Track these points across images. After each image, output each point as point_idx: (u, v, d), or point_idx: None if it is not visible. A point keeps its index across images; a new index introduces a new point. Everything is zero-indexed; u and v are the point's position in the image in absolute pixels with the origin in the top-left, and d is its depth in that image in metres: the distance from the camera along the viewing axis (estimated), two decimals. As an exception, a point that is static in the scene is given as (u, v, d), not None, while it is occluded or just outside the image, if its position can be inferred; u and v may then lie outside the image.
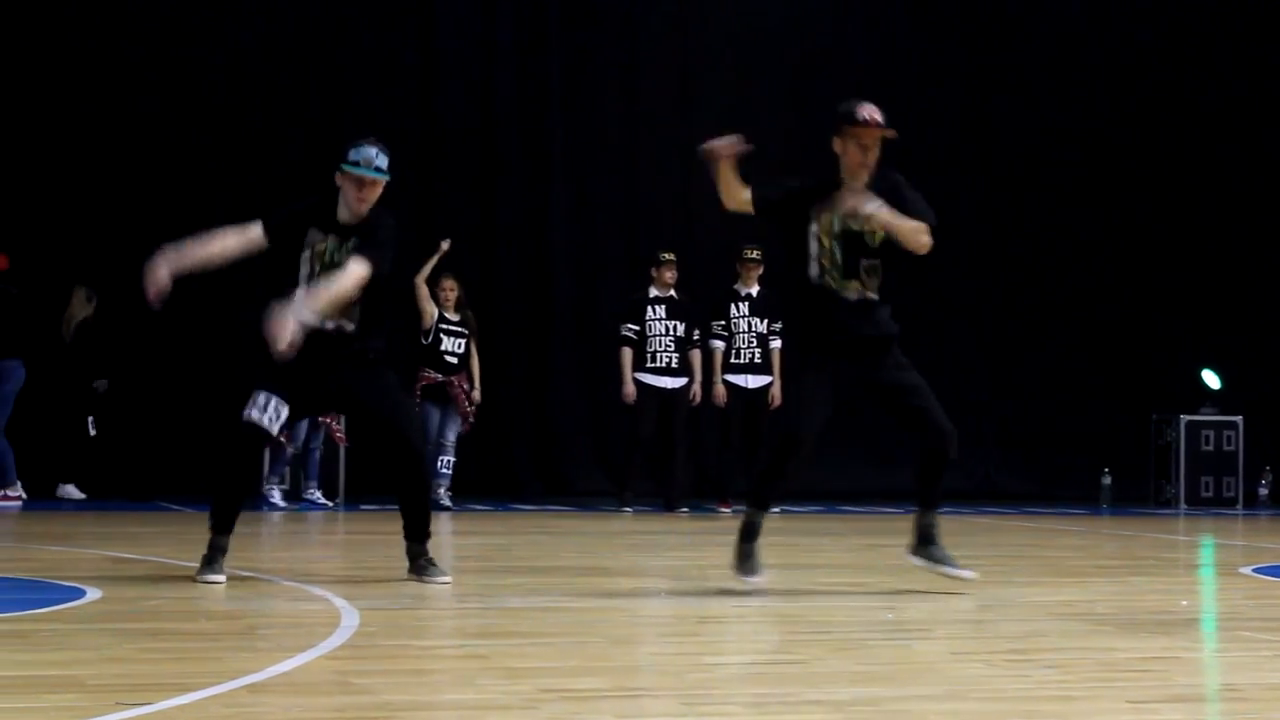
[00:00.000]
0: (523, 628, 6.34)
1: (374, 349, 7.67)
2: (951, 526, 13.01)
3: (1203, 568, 10.30)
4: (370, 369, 7.67)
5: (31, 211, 14.91)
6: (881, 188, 7.37)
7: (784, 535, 12.19)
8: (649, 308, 13.96)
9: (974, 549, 10.94)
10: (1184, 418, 16.28)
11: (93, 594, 6.97)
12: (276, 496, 13.69)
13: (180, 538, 10.71)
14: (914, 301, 16.78)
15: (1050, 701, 4.82)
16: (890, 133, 7.33)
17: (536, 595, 7.40)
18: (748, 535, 7.48)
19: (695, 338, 14.01)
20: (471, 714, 4.50)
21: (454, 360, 13.90)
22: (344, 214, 7.75)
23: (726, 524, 13.01)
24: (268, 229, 7.73)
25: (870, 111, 7.33)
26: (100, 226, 14.94)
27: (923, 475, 7.59)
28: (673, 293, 14.07)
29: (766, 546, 11.10)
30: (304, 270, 7.64)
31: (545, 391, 16.26)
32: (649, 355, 13.93)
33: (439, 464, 13.77)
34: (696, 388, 14.03)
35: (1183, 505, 16.08)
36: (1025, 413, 17.10)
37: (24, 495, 13.64)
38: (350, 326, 7.60)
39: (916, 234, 7.33)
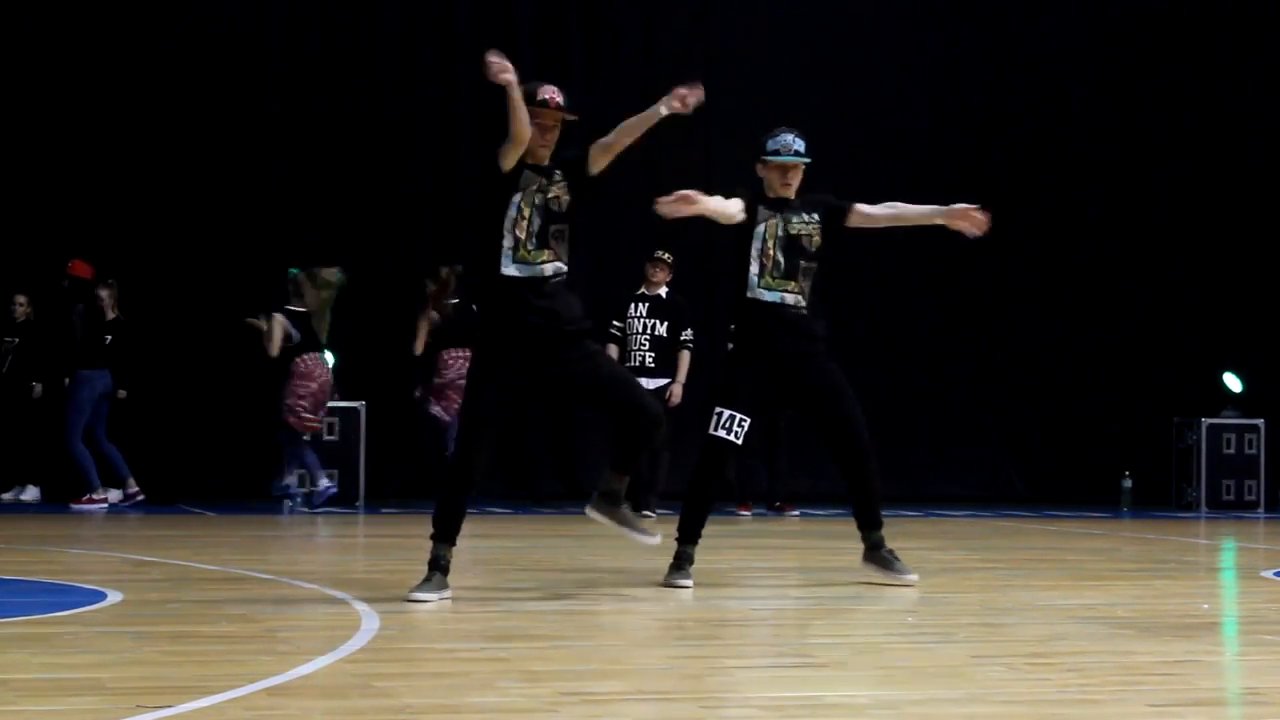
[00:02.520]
0: (543, 630, 6.34)
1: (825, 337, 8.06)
2: (973, 530, 13.02)
3: (1224, 571, 10.27)
4: (829, 359, 8.03)
5: (49, 213, 14.98)
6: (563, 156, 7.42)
7: (804, 538, 12.19)
8: (631, 305, 13.63)
9: (995, 552, 10.93)
10: (1205, 421, 16.22)
11: (114, 597, 6.99)
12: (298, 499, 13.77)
13: (200, 541, 10.74)
14: (935, 305, 16.83)
15: (1071, 705, 4.81)
16: (572, 116, 7.36)
17: (556, 598, 7.40)
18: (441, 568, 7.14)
19: (683, 338, 13.63)
20: (492, 717, 4.50)
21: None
22: (773, 196, 8.01)
23: (745, 527, 13.02)
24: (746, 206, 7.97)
25: (551, 93, 7.36)
26: (121, 230, 14.99)
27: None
28: (661, 291, 13.75)
29: (788, 549, 11.13)
30: (755, 256, 7.90)
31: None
32: (627, 354, 13.49)
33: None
34: (675, 388, 13.55)
35: (1204, 508, 16.02)
36: (1046, 416, 17.05)
37: (109, 498, 13.88)
38: (805, 309, 7.96)
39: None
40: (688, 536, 7.94)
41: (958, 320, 16.90)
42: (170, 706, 4.44)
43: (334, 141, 15.81)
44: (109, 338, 14.13)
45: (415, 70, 16.18)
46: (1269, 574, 9.35)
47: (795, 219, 7.95)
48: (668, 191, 17.31)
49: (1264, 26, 17.48)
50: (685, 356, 13.60)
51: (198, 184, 15.37)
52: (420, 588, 7.06)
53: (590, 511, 7.46)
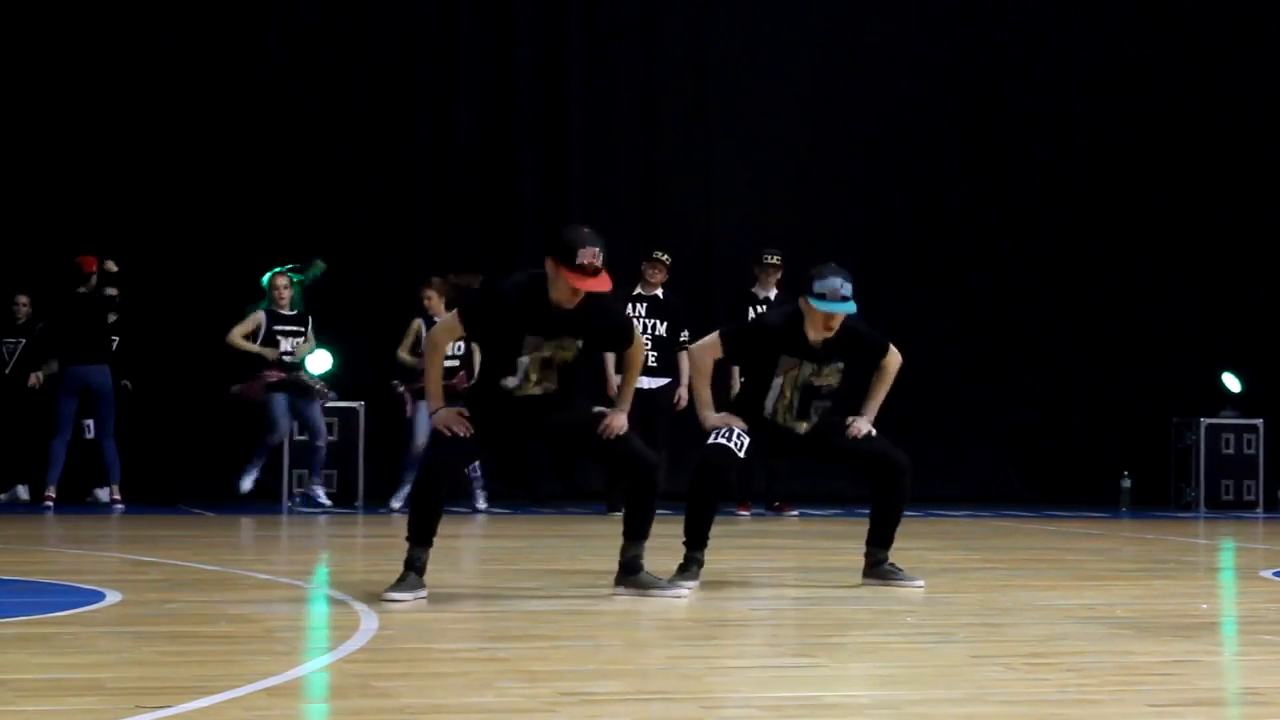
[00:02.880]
0: (542, 631, 6.34)
1: None
2: (972, 530, 13.03)
3: (1223, 571, 10.27)
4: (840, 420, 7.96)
5: (48, 214, 15.00)
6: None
7: (803, 539, 12.19)
8: (630, 305, 13.63)
9: (994, 552, 10.93)
10: (1204, 421, 16.23)
11: (113, 597, 6.99)
12: (320, 495, 13.85)
13: (200, 541, 10.74)
14: (935, 305, 16.83)
15: (1070, 705, 4.81)
16: (605, 287, 7.12)
17: (555, 598, 7.40)
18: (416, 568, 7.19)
19: (683, 338, 13.64)
20: (491, 717, 4.50)
21: (454, 363, 13.94)
22: (813, 336, 7.78)
23: (744, 527, 13.01)
24: (726, 350, 7.87)
25: (591, 256, 7.04)
26: (122, 231, 15.00)
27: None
28: (658, 292, 13.76)
29: (788, 549, 11.13)
30: (773, 394, 7.77)
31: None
32: None
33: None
34: (682, 391, 13.62)
35: (1203, 508, 16.02)
36: (1045, 415, 17.06)
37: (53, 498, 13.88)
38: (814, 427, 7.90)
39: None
40: (694, 542, 7.88)
41: (956, 320, 16.89)
42: (169, 707, 4.44)
43: (333, 142, 15.81)
44: (115, 339, 14.17)
45: (414, 70, 16.17)
46: (1268, 574, 9.35)
47: (824, 369, 7.80)
48: (667, 192, 17.17)
49: (1264, 27, 17.48)
50: (685, 358, 13.61)
51: (199, 186, 15.39)
52: (395, 587, 7.08)
53: (617, 588, 7.45)
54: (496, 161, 16.28)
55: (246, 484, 13.73)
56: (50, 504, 13.65)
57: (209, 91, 15.52)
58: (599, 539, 11.16)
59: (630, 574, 7.45)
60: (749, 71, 16.78)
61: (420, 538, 7.19)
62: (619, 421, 7.34)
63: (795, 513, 14.29)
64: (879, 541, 8.04)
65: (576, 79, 16.43)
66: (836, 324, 7.74)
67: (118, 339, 14.30)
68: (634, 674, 5.34)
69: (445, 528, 7.36)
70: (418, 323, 13.76)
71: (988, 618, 6.87)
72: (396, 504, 13.80)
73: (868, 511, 8.15)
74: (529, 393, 7.24)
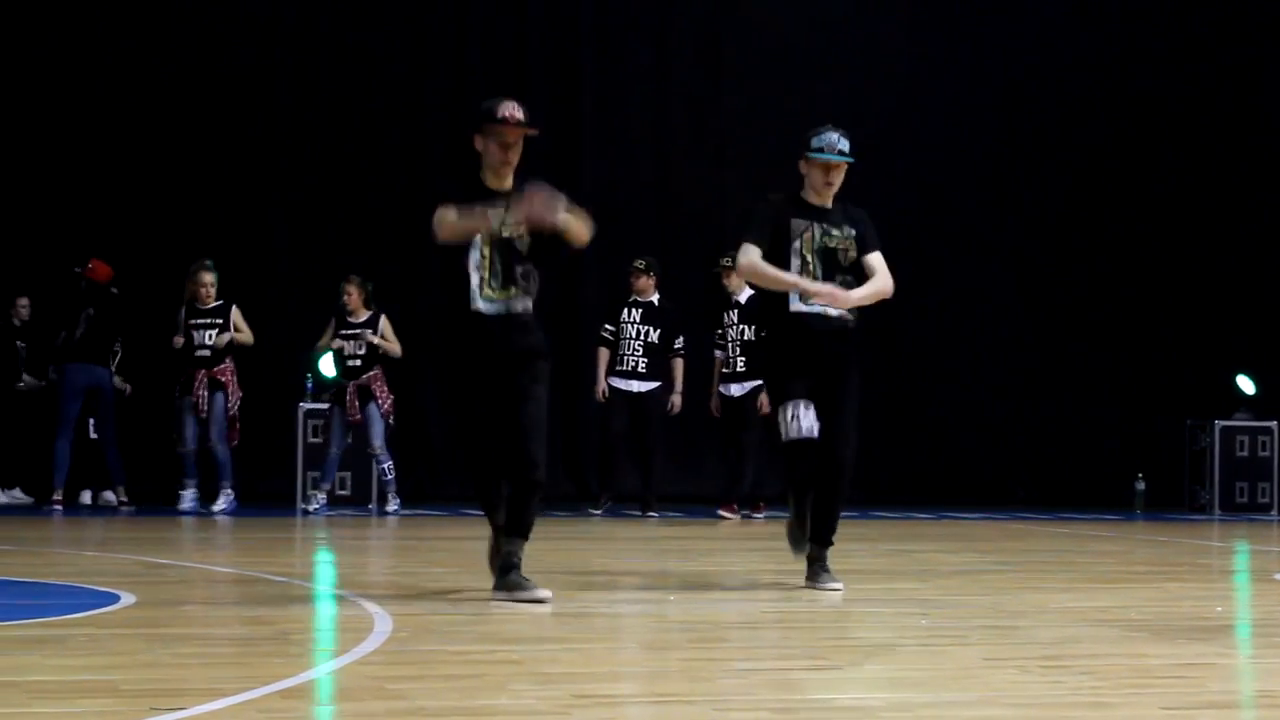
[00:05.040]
0: (555, 633, 6.35)
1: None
2: (985, 532, 13.01)
3: (1237, 574, 10.25)
4: (858, 370, 7.88)
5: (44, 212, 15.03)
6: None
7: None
8: (624, 310, 13.88)
9: (1007, 554, 10.92)
10: (1219, 423, 16.20)
11: (127, 599, 7.00)
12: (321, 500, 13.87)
13: (214, 543, 10.76)
14: (947, 306, 16.82)
15: (1084, 708, 4.81)
16: (533, 130, 7.27)
17: (568, 600, 7.40)
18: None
19: (676, 346, 13.86)
20: (505, 719, 4.50)
21: (356, 363, 14.00)
22: (813, 199, 7.91)
23: (756, 529, 13.01)
24: (760, 245, 7.78)
25: (511, 109, 7.26)
26: (128, 231, 15.01)
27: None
28: (653, 299, 13.91)
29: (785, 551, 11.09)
30: (795, 262, 7.77)
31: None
32: (618, 358, 13.82)
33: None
34: (675, 398, 13.88)
35: (1217, 511, 16.00)
36: (1059, 418, 17.03)
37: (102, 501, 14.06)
38: (850, 319, 7.82)
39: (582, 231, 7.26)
40: (816, 539, 7.92)
41: (971, 322, 16.88)
42: (184, 709, 4.45)
43: (344, 146, 15.79)
44: (118, 342, 14.20)
45: (427, 69, 16.17)
46: (1282, 576, 9.34)
47: (835, 231, 7.83)
48: (679, 196, 17.16)
49: (1272, 27, 17.44)
50: (679, 364, 13.94)
51: (201, 188, 15.38)
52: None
53: (492, 594, 7.26)
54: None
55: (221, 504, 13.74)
56: (58, 506, 13.69)
57: (216, 97, 15.51)
58: (611, 541, 11.17)
59: (501, 574, 7.23)
60: (761, 71, 16.77)
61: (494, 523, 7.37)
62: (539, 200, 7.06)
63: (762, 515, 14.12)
64: (815, 538, 7.96)
65: (589, 77, 16.43)
66: (835, 178, 7.87)
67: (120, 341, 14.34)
68: (647, 676, 5.34)
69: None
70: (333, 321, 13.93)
71: (1001, 620, 6.87)
72: (313, 505, 13.80)
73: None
74: (495, 301, 7.16)
